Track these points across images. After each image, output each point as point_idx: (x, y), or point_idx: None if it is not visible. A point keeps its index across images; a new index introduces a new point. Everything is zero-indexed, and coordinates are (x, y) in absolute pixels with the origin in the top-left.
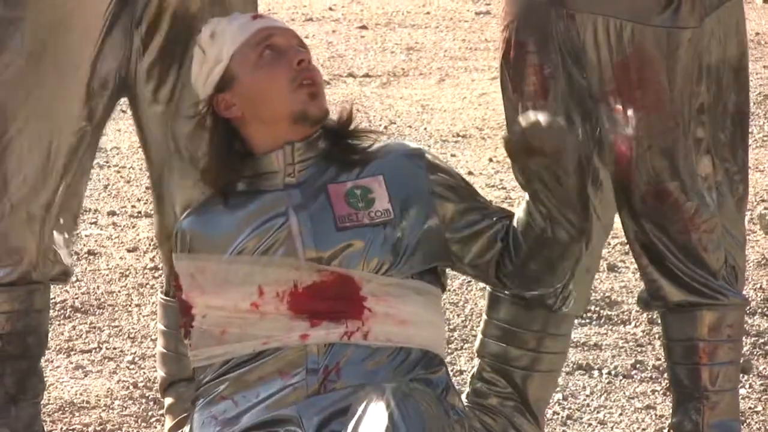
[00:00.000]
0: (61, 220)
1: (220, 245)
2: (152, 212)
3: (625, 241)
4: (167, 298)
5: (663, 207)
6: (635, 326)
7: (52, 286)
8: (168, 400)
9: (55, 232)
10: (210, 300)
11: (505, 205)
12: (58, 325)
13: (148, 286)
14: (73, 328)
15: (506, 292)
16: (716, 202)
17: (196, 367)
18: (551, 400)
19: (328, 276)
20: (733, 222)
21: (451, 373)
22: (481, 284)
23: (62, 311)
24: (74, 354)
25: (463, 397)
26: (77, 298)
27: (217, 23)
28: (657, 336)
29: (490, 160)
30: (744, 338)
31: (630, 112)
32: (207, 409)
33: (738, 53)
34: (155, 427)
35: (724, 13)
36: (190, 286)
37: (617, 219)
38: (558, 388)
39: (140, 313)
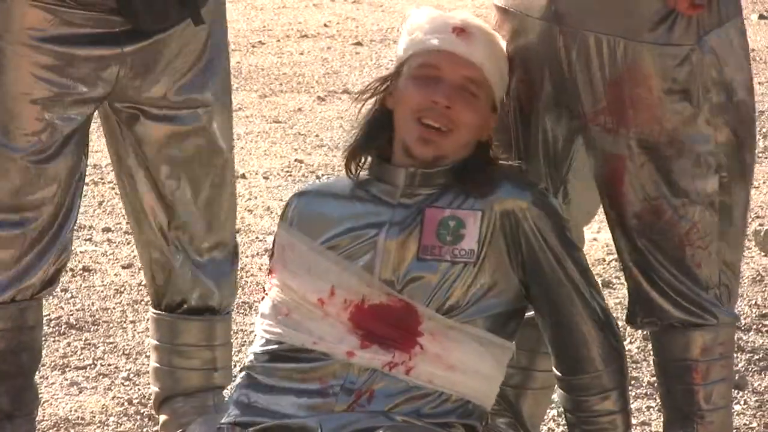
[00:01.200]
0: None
1: (317, 230)
2: None
3: None
4: (158, 312)
5: (658, 223)
6: (630, 342)
7: (45, 302)
8: (162, 417)
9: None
10: (287, 278)
11: None
12: (53, 341)
13: (142, 302)
14: (68, 344)
15: None
16: (717, 221)
17: (256, 334)
18: (546, 417)
19: (395, 301)
20: (732, 240)
21: None
22: None
23: (57, 328)
24: (69, 370)
25: None
26: (72, 315)
27: (431, 17)
28: (652, 353)
29: None
30: (739, 355)
31: (622, 130)
32: (245, 384)
33: (743, 71)
34: None
35: (725, 31)
36: (279, 256)
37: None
38: (553, 405)
39: (135, 330)
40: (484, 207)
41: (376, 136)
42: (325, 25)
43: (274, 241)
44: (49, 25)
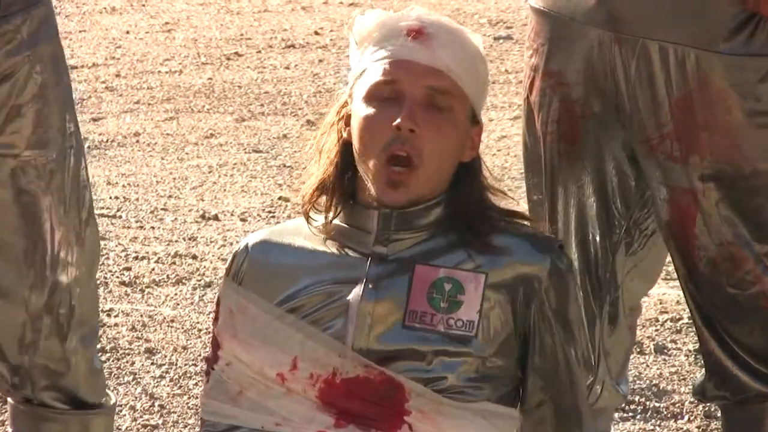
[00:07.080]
0: None
1: (274, 288)
2: None
3: (677, 317)
4: (16, 403)
5: (737, 274)
6: (689, 420)
7: None
8: None
9: None
10: (238, 350)
11: None
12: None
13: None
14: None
15: None
16: None
17: (202, 417)
18: None
19: (375, 374)
20: None
21: None
22: None
23: None
24: None
25: None
26: None
27: (379, 21)
28: (716, 429)
29: None
30: None
31: (693, 159)
32: None
33: None
34: None
35: None
36: (225, 322)
37: (668, 291)
38: None
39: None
40: (491, 269)
41: (342, 175)
42: (316, 33)
43: (218, 302)
44: None
